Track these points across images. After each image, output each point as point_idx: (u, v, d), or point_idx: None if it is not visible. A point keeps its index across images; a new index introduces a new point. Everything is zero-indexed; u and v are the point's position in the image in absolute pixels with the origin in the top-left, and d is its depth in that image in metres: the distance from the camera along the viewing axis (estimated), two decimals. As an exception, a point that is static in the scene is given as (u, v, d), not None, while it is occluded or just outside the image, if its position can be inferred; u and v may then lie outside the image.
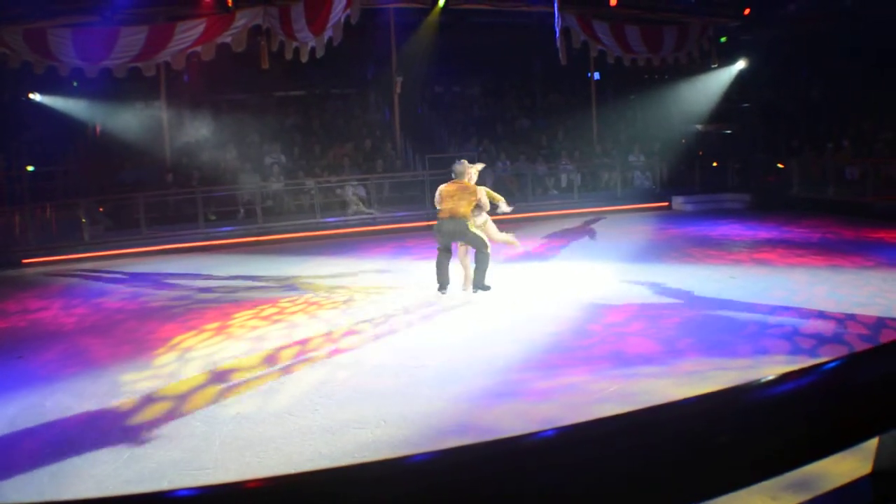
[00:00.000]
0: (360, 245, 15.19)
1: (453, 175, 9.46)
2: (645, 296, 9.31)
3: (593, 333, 7.69)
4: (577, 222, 17.10)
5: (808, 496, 1.59)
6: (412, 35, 20.84)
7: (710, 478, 1.22)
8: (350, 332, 8.12)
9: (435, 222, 9.59)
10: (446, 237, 9.40)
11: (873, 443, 1.51)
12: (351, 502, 1.02)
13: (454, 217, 9.23)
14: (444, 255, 9.56)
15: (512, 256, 11.96)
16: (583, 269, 11.33)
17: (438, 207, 9.43)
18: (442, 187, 9.44)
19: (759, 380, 1.36)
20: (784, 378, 1.37)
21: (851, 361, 1.49)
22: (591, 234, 15.49)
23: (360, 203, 17.92)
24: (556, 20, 18.82)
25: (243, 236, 16.45)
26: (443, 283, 9.57)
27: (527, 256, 12.42)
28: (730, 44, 22.68)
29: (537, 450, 1.16)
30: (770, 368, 6.13)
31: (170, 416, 5.79)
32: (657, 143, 21.77)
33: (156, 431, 5.47)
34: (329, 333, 8.10)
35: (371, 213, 17.74)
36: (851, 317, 7.80)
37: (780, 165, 20.01)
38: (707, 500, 1.21)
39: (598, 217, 17.99)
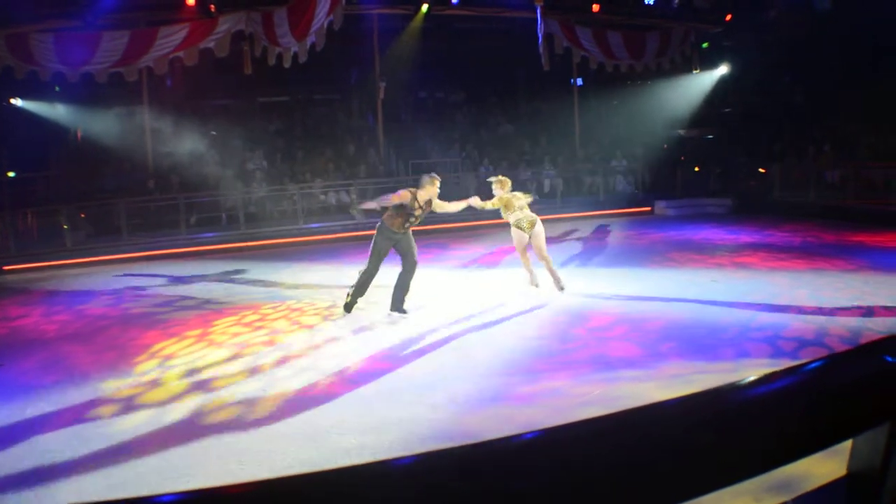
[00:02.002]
0: (343, 251, 15.15)
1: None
2: (627, 300, 9.35)
3: (576, 338, 7.71)
4: (559, 227, 17.11)
5: (788, 497, 1.61)
6: (395, 41, 20.84)
7: (691, 478, 1.22)
8: (332, 339, 8.10)
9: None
10: None
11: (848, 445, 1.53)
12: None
13: None
14: None
15: (494, 262, 11.96)
16: (565, 274, 11.35)
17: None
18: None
19: (738, 382, 1.37)
20: (762, 380, 1.39)
21: (828, 364, 1.50)
22: (574, 239, 15.52)
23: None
24: (539, 26, 18.88)
25: (225, 242, 16.39)
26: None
27: (509, 262, 12.44)
28: (711, 49, 22.85)
29: (520, 452, 1.17)
30: (752, 371, 6.13)
31: (151, 423, 5.76)
32: (639, 149, 21.88)
33: (137, 439, 5.43)
34: (311, 340, 8.08)
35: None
36: (832, 319, 7.86)
37: (761, 170, 20.14)
38: (688, 500, 1.22)
39: (580, 222, 18.03)
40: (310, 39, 16.69)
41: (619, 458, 1.18)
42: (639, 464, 1.19)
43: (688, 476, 1.23)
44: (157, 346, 8.11)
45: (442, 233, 16.21)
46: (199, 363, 7.35)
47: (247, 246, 16.27)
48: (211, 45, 16.84)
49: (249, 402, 6.11)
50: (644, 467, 1.19)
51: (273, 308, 9.83)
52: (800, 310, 8.33)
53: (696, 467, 1.24)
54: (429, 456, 1.15)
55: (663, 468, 1.20)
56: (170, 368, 7.25)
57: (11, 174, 18.60)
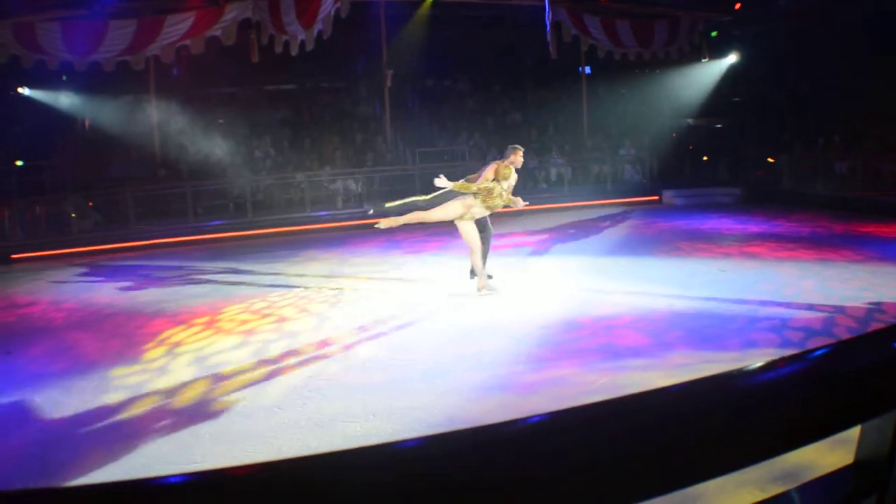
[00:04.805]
0: (350, 239, 15.16)
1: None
2: (634, 289, 9.33)
3: (583, 326, 7.70)
4: (566, 216, 17.10)
5: (794, 486, 1.60)
6: (403, 28, 20.78)
7: (697, 463, 1.22)
8: (339, 327, 8.11)
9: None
10: None
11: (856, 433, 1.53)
12: (337, 487, 1.03)
13: None
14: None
15: (500, 251, 11.94)
16: (572, 263, 11.35)
17: None
18: None
19: (745, 368, 1.37)
20: (771, 366, 1.38)
21: (837, 350, 1.50)
22: (581, 227, 15.50)
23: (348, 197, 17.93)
24: (547, 14, 18.81)
25: (233, 230, 16.41)
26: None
27: (516, 251, 12.44)
28: (721, 38, 22.69)
29: (525, 435, 1.17)
30: (759, 361, 6.14)
31: (159, 410, 5.78)
32: (648, 137, 21.78)
33: (145, 426, 5.46)
34: (318, 328, 8.10)
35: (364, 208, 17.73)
36: (840, 310, 7.84)
37: (770, 160, 20.06)
38: (693, 485, 1.22)
39: (588, 211, 18.00)
40: (317, 27, 16.66)
41: (624, 442, 1.18)
42: (644, 448, 1.19)
43: (693, 461, 1.23)
44: (164, 334, 8.13)
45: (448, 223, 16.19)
46: (207, 350, 7.38)
47: (254, 234, 16.29)
48: (217, 33, 16.80)
49: (257, 390, 6.14)
50: (649, 452, 1.19)
51: (281, 296, 9.85)
52: (807, 300, 8.30)
53: (701, 452, 1.24)
54: (434, 439, 1.15)
55: (668, 453, 1.20)
56: (177, 356, 7.28)
57: (19, 163, 18.61)
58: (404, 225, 9.75)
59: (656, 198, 19.70)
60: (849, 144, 18.81)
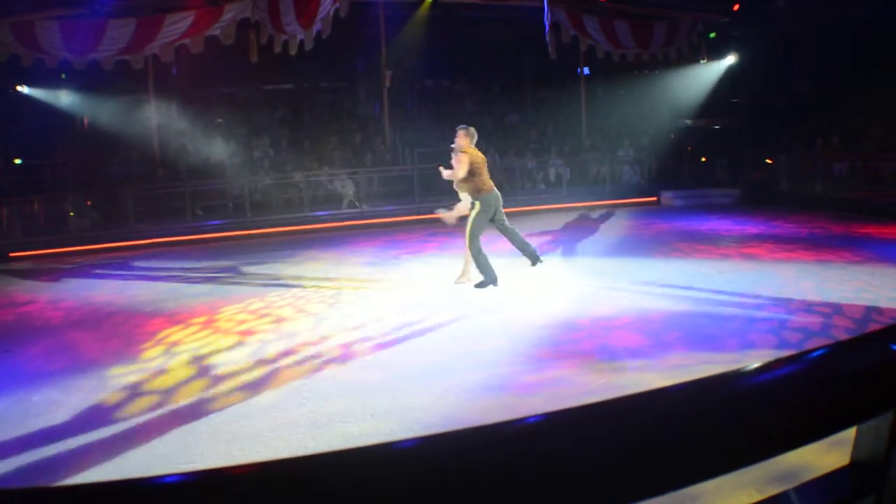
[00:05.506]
0: (349, 239, 15.17)
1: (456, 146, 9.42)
2: (633, 290, 9.33)
3: (581, 327, 7.70)
4: (565, 217, 17.11)
5: (791, 486, 1.61)
6: (402, 29, 20.79)
7: (694, 463, 1.23)
8: (337, 327, 8.10)
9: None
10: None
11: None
12: (335, 487, 1.03)
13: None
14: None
15: (500, 251, 11.94)
16: (571, 264, 11.35)
17: (482, 181, 9.29)
18: (473, 153, 9.22)
19: (742, 368, 1.37)
20: (766, 367, 1.39)
21: (832, 351, 1.50)
22: (580, 228, 15.50)
23: (351, 197, 17.91)
24: (546, 15, 18.82)
25: (231, 230, 16.41)
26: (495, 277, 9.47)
27: (516, 251, 12.43)
28: (719, 39, 22.69)
29: (523, 435, 1.17)
30: (757, 362, 6.14)
31: (157, 410, 5.78)
32: (646, 138, 21.80)
33: (143, 426, 5.45)
34: (316, 328, 8.09)
35: (359, 208, 17.72)
36: (839, 311, 7.85)
37: (768, 161, 20.08)
38: (691, 485, 1.22)
39: (586, 212, 18.01)
40: (316, 27, 16.67)
41: (622, 442, 1.18)
42: (641, 448, 1.19)
43: (691, 461, 1.23)
44: (162, 333, 8.13)
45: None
46: (205, 350, 7.38)
47: (253, 234, 16.29)
48: (217, 32, 16.80)
49: (254, 389, 6.13)
50: (646, 452, 1.19)
51: (279, 296, 9.85)
52: (806, 301, 8.31)
53: (699, 453, 1.24)
54: (432, 439, 1.15)
55: (666, 453, 1.21)
56: (175, 355, 7.27)
57: (18, 161, 18.62)
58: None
59: (655, 199, 19.72)
60: (848, 145, 18.83)
